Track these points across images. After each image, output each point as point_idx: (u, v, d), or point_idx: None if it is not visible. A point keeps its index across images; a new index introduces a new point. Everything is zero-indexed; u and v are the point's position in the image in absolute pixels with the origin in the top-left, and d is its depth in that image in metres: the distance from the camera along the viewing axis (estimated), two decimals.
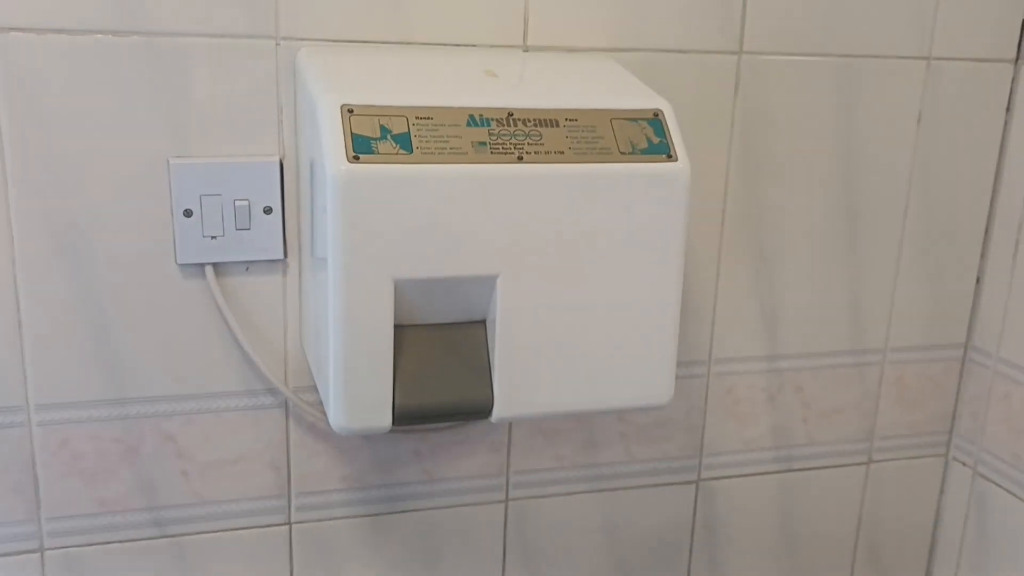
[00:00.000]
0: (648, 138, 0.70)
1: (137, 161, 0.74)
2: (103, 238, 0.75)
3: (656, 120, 0.70)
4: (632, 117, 0.70)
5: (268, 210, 0.77)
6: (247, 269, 0.78)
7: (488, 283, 0.67)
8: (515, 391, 0.70)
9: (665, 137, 0.70)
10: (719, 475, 0.99)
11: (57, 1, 0.69)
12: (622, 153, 0.68)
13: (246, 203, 0.76)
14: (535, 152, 0.67)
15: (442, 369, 0.69)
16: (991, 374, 1.00)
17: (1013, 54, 0.94)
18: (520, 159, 0.66)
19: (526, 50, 0.81)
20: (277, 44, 0.75)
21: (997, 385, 1.00)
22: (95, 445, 0.79)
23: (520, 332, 0.69)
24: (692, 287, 0.91)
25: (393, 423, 0.68)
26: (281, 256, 0.78)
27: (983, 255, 1.00)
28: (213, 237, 0.76)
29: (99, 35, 0.71)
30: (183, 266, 0.77)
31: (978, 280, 1.01)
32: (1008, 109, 0.96)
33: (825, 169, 0.92)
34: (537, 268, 0.68)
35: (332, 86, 0.67)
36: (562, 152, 0.67)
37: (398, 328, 0.67)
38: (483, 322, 0.70)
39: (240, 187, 0.76)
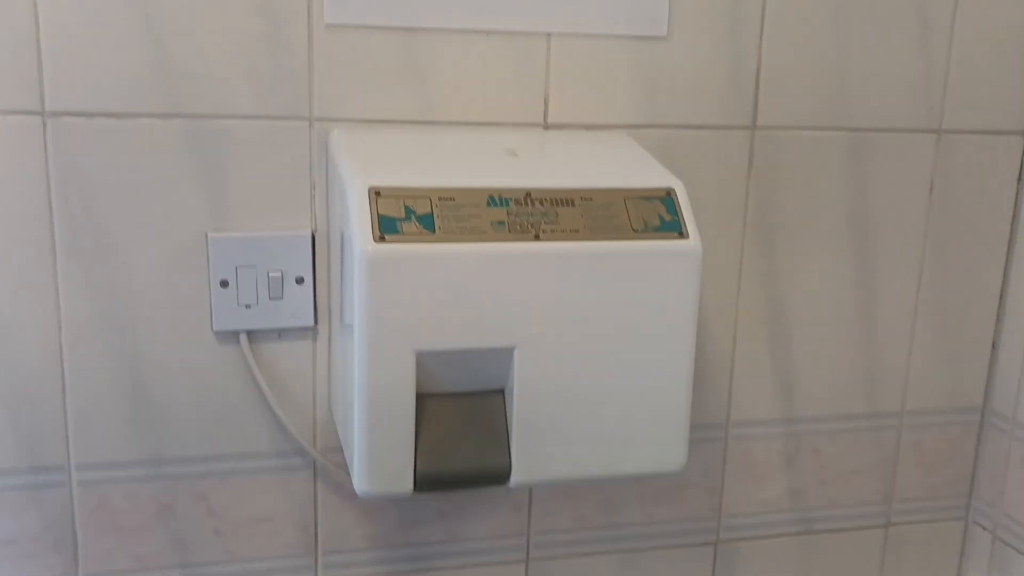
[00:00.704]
0: (661, 216, 0.73)
1: (178, 235, 0.79)
2: (144, 306, 0.79)
3: (668, 199, 0.74)
4: (645, 196, 0.73)
5: (300, 280, 0.81)
6: (279, 336, 0.82)
7: (506, 355, 0.71)
8: (532, 458, 0.73)
9: (677, 215, 0.73)
10: (738, 536, 1.00)
11: (106, 87, 0.75)
12: (635, 231, 0.72)
13: (279, 274, 0.80)
14: (551, 230, 0.70)
15: (462, 436, 0.72)
16: (1008, 438, 1.01)
17: (1023, 126, 0.97)
18: (537, 237, 0.70)
19: (547, 128, 0.85)
20: (311, 125, 0.79)
21: (1015, 450, 1.00)
22: (132, 503, 0.83)
23: (537, 401, 0.72)
24: (709, 352, 0.94)
25: (415, 489, 0.71)
26: (311, 324, 0.82)
27: (998, 320, 1.02)
28: (247, 306, 0.80)
29: (145, 118, 0.76)
30: (219, 333, 0.81)
31: (994, 346, 1.02)
32: (1020, 179, 0.98)
33: (839, 238, 0.94)
34: (553, 341, 0.71)
35: (360, 168, 0.71)
36: (577, 230, 0.71)
37: (420, 397, 0.70)
38: (502, 391, 0.73)
39: (274, 258, 0.80)
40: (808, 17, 0.88)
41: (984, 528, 1.05)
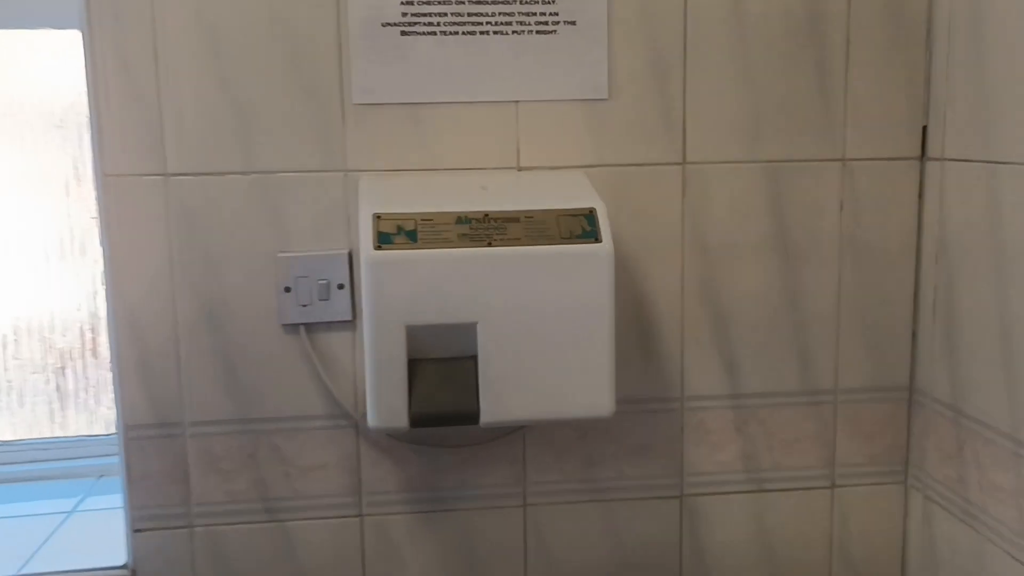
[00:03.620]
0: (583, 228, 1.01)
1: (255, 255, 1.12)
2: (232, 307, 1.12)
3: (591, 215, 1.02)
4: (573, 214, 1.02)
5: (341, 286, 1.13)
6: (328, 327, 1.14)
7: (471, 328, 1.00)
8: (494, 404, 1.01)
9: (595, 227, 1.01)
10: (699, 492, 1.24)
11: (206, 155, 1.09)
12: (563, 239, 1.00)
13: (326, 282, 1.12)
14: (501, 239, 0.99)
15: (443, 388, 1.01)
16: (929, 412, 1.22)
17: (918, 152, 1.19)
18: (490, 244, 0.99)
19: (519, 170, 1.14)
20: (345, 175, 1.12)
21: (934, 422, 1.21)
22: (226, 451, 1.15)
23: (496, 363, 1.00)
24: (661, 340, 1.20)
25: (409, 424, 1.00)
26: (350, 318, 1.14)
27: (915, 312, 1.23)
28: (304, 305, 1.12)
29: (231, 175, 1.10)
30: (284, 326, 1.13)
31: (914, 334, 1.24)
32: (920, 196, 1.20)
33: (765, 248, 1.19)
34: (505, 318, 0.99)
35: (371, 201, 1.02)
36: (519, 239, 1.00)
37: (412, 361, 1.00)
38: (473, 357, 1.02)
39: (322, 270, 1.12)
40: (723, 72, 1.15)
41: (917, 490, 1.25)
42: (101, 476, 1.49)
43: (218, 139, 1.09)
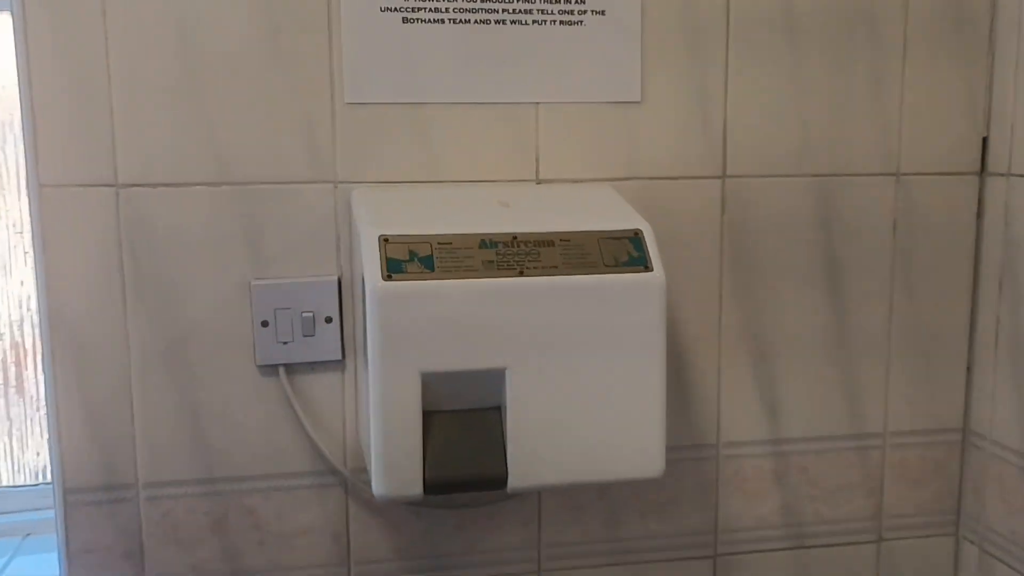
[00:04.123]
0: (629, 253, 0.85)
1: (226, 283, 0.93)
2: (198, 345, 0.93)
3: (636, 238, 0.86)
4: (616, 236, 0.86)
5: (329, 319, 0.95)
6: (312, 368, 0.96)
7: (499, 375, 0.83)
8: (525, 465, 0.84)
9: (643, 252, 0.85)
10: (735, 551, 1.09)
11: (167, 163, 0.90)
12: (607, 266, 0.84)
13: (311, 314, 0.94)
14: (534, 267, 0.83)
15: (464, 447, 0.84)
16: (986, 456, 1.09)
17: (977, 167, 1.07)
18: (521, 273, 0.82)
19: (538, 183, 0.98)
20: (335, 187, 0.94)
21: (993, 466, 1.08)
22: (190, 517, 0.96)
23: (528, 416, 0.84)
24: (697, 379, 1.04)
25: (424, 492, 0.83)
26: (339, 357, 0.96)
27: (970, 346, 1.10)
28: (285, 343, 0.94)
29: (198, 186, 0.91)
30: (261, 367, 0.95)
31: (968, 369, 1.11)
32: (979, 215, 1.08)
33: (812, 273, 1.05)
34: (540, 362, 0.83)
35: (373, 221, 0.85)
36: (556, 267, 0.83)
37: (427, 413, 0.82)
38: (498, 408, 0.85)
39: (307, 301, 0.94)
40: (769, 75, 1.01)
41: (972, 542, 1.12)
42: (28, 535, 1.28)
43: (182, 143, 0.91)
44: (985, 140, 1.07)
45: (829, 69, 1.02)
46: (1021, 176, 1.03)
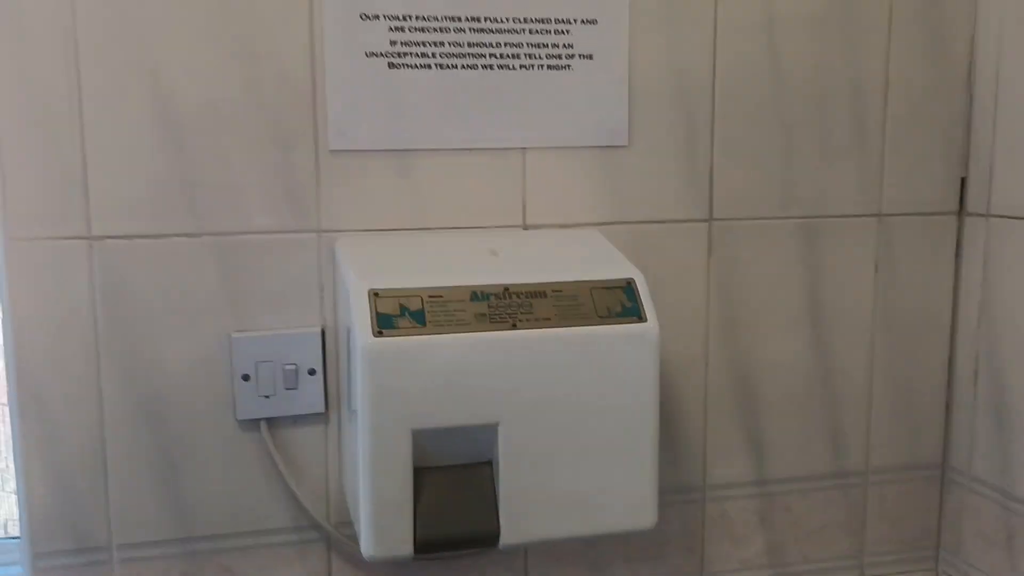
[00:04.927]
0: (622, 303, 0.84)
1: (205, 336, 0.90)
2: (176, 399, 0.90)
3: (629, 288, 0.85)
4: (608, 286, 0.84)
5: (312, 372, 0.92)
6: (295, 422, 0.93)
7: (491, 430, 0.81)
8: (518, 521, 0.82)
9: (636, 302, 0.84)
10: None
11: (143, 213, 0.87)
12: (600, 317, 0.82)
13: (294, 367, 0.91)
14: (527, 319, 0.81)
15: (456, 504, 0.82)
16: (965, 491, 1.10)
17: (956, 207, 1.08)
18: (514, 326, 0.81)
19: (526, 228, 0.96)
20: (319, 236, 0.91)
21: (970, 502, 1.09)
22: None
23: (520, 471, 0.82)
24: (682, 422, 1.04)
25: (415, 552, 0.80)
26: (323, 410, 0.93)
27: (949, 384, 1.11)
28: (266, 396, 0.91)
29: (176, 238, 0.88)
30: (241, 421, 0.92)
31: (947, 407, 1.12)
32: (957, 255, 1.09)
33: (796, 314, 1.05)
34: (533, 417, 0.81)
35: (361, 273, 0.82)
36: (549, 318, 0.82)
37: (417, 470, 0.80)
38: (489, 463, 0.83)
39: (289, 353, 0.91)
40: (754, 120, 1.00)
41: None
42: None
43: (159, 193, 0.87)
44: (964, 180, 1.08)
45: (811, 106, 1.02)
46: (999, 216, 1.04)
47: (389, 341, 0.78)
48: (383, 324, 0.78)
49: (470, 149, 0.94)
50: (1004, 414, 1.04)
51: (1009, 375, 1.03)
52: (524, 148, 0.95)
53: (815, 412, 1.07)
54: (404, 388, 0.78)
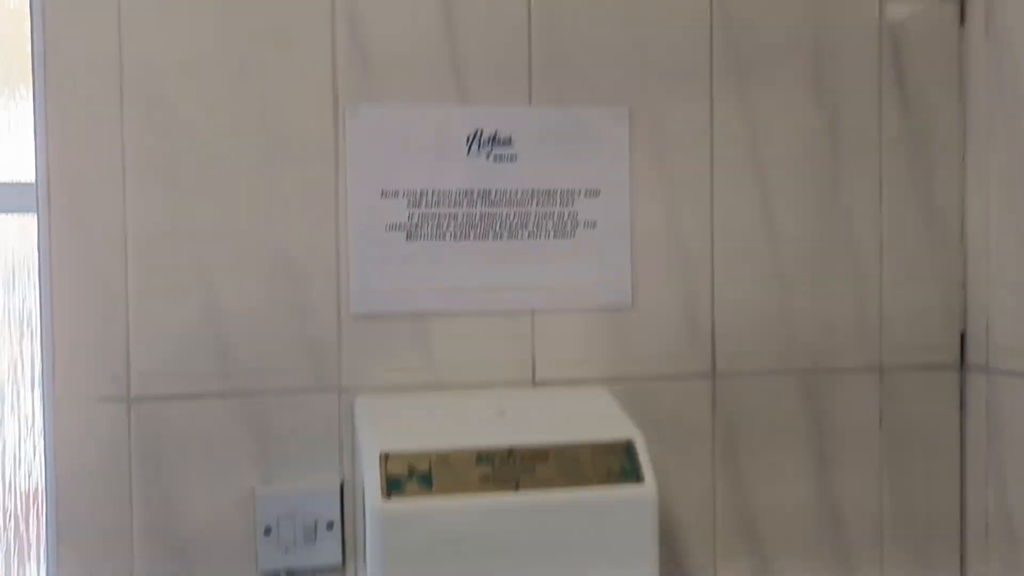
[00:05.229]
0: (622, 465, 0.88)
1: (230, 490, 0.96)
2: (202, 550, 0.95)
3: (629, 449, 0.89)
4: (608, 447, 0.89)
5: (330, 525, 0.97)
6: (313, 574, 0.97)
7: None
8: None
9: (635, 463, 0.88)
10: None
11: (177, 376, 0.94)
12: (599, 479, 0.86)
13: (313, 521, 0.96)
14: (528, 481, 0.86)
15: None
16: None
17: (957, 361, 1.11)
18: (516, 488, 0.85)
19: (534, 385, 1.02)
20: (339, 395, 0.98)
21: None
22: None
23: None
24: (693, 568, 1.06)
25: None
26: (340, 562, 0.97)
27: (962, 543, 1.12)
28: (287, 549, 0.96)
29: (208, 399, 0.95)
30: (264, 573, 0.96)
31: (962, 558, 1.12)
32: (961, 407, 1.11)
33: (802, 466, 1.07)
34: (535, 573, 0.85)
35: (374, 435, 0.88)
36: (551, 480, 0.86)
37: None
38: None
39: (309, 507, 0.96)
40: (754, 277, 1.06)
41: None
42: None
43: (193, 355, 0.95)
44: (963, 334, 1.11)
45: (811, 264, 1.07)
46: (999, 371, 1.07)
47: (398, 505, 0.83)
48: (392, 487, 0.83)
49: (482, 312, 1.00)
50: (1019, 567, 1.04)
51: (1021, 530, 1.04)
52: (532, 310, 1.01)
53: (827, 564, 1.08)
54: (411, 548, 0.83)
